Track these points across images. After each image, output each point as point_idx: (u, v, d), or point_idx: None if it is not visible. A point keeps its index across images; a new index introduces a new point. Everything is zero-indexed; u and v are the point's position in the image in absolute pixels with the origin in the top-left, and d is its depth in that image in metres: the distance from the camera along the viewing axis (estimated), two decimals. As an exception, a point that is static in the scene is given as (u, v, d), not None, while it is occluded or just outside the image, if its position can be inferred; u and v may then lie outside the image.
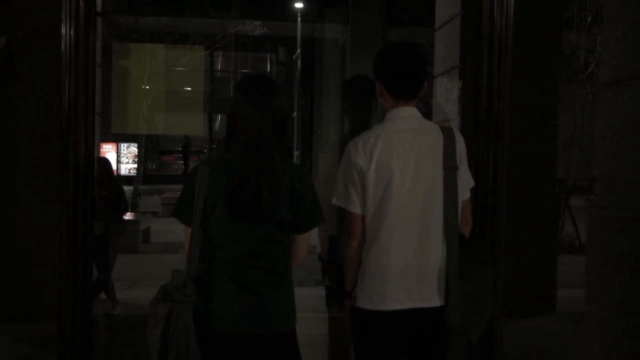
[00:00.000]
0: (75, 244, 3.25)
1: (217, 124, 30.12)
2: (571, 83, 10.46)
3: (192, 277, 2.12)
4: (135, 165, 18.81)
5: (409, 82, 2.33)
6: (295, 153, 20.37)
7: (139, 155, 17.15)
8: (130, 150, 22.14)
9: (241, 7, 19.44)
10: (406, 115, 2.32)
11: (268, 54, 29.16)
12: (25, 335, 4.27)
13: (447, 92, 5.37)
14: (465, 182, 2.35)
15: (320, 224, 2.23)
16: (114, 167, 19.13)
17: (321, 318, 3.69)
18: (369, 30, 15.48)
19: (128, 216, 9.46)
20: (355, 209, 2.27)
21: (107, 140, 20.10)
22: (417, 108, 2.36)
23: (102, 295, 5.22)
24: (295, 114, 21.52)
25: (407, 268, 2.22)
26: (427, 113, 2.45)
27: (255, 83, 2.20)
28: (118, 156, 21.73)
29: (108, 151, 20.72)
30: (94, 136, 3.41)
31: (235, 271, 2.11)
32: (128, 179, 18.92)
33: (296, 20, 21.54)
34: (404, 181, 2.21)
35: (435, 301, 2.25)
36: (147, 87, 15.99)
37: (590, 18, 9.93)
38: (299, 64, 21.81)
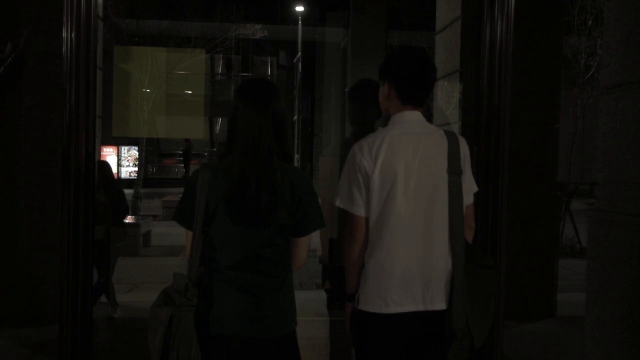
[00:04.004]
0: (76, 248, 3.25)
1: (217, 128, 30.13)
2: (572, 87, 10.45)
3: (193, 280, 2.12)
4: (136, 169, 18.80)
5: (420, 87, 2.33)
6: (296, 156, 20.36)
7: (139, 159, 17.13)
8: (130, 153, 22.16)
9: (242, 10, 19.48)
10: (411, 119, 2.32)
11: (269, 58, 29.19)
12: (25, 338, 4.27)
13: (447, 96, 5.38)
14: (469, 186, 2.35)
15: (321, 227, 2.23)
16: (115, 170, 19.16)
17: (322, 321, 3.69)
18: (369, 34, 15.48)
19: (128, 219, 9.46)
20: (359, 211, 2.27)
21: (108, 143, 20.12)
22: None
23: (103, 298, 5.22)
24: (295, 117, 21.54)
25: (411, 271, 2.22)
26: (427, 117, 2.45)
27: (255, 87, 2.21)
28: (119, 159, 21.75)
29: (109, 154, 20.75)
30: (95, 139, 3.41)
31: (236, 275, 2.11)
32: (129, 182, 18.92)
33: (297, 24, 21.59)
34: (408, 184, 2.21)
35: (439, 305, 2.25)
36: (148, 90, 15.99)
37: (590, 22, 9.92)
38: (300, 68, 21.84)
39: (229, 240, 2.11)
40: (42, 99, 4.56)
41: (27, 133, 4.58)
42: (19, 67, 4.47)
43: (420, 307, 2.23)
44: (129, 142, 21.65)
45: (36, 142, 4.58)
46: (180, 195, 2.22)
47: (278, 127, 2.14)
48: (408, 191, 2.22)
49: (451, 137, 2.30)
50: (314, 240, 2.37)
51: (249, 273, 2.11)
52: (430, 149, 2.26)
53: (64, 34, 3.28)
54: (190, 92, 22.38)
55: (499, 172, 3.35)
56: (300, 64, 21.81)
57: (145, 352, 2.15)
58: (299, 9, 21.37)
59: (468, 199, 2.34)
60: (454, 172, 2.26)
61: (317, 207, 2.21)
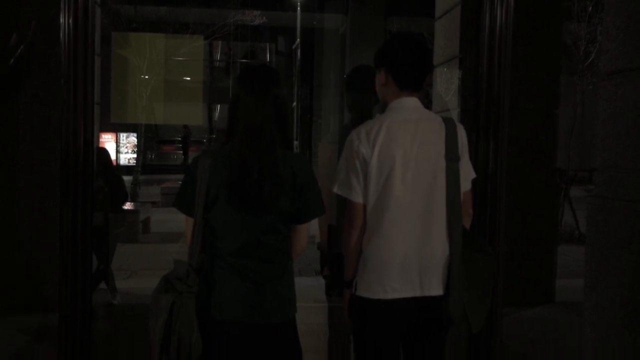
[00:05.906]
0: (75, 235, 3.25)
1: (216, 114, 30.08)
2: (572, 73, 10.42)
3: (194, 267, 2.13)
4: (135, 155, 18.80)
5: (417, 73, 2.34)
6: (295, 143, 20.31)
7: (138, 145, 17.13)
8: (129, 140, 22.12)
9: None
10: (409, 105, 2.32)
11: (267, 44, 29.07)
12: (25, 326, 4.27)
13: (446, 82, 5.36)
14: (467, 173, 2.35)
15: (321, 214, 2.24)
16: (113, 157, 19.14)
17: (321, 307, 3.70)
18: (368, 20, 15.40)
19: (127, 206, 9.47)
20: (357, 198, 2.27)
21: (107, 130, 20.09)
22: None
23: (102, 285, 5.22)
24: (294, 104, 21.48)
25: (409, 257, 2.23)
26: (426, 103, 2.46)
27: (255, 74, 2.20)
28: (117, 146, 21.72)
29: (107, 141, 20.72)
30: (94, 126, 3.39)
31: (236, 261, 2.11)
32: (127, 169, 18.91)
33: (295, 10, 21.48)
34: (406, 171, 2.22)
35: (437, 291, 2.26)
36: (147, 76, 15.94)
37: (590, 8, 9.88)
38: (299, 54, 21.74)
39: (230, 227, 2.11)
40: (44, 94, 4.52)
41: (26, 131, 4.54)
42: (29, 60, 4.42)
43: (418, 293, 2.25)
44: (128, 129, 21.62)
45: (36, 140, 4.54)
46: (180, 182, 2.22)
47: (279, 113, 2.13)
48: (406, 178, 2.22)
49: (449, 124, 2.30)
50: (313, 226, 2.37)
51: (251, 259, 2.12)
52: (428, 136, 2.26)
53: (61, 20, 3.25)
54: (188, 78, 22.30)
55: (498, 158, 3.35)
56: (299, 50, 21.71)
57: (145, 338, 2.16)
58: (298, -5, 21.27)
59: (466, 185, 2.35)
60: (452, 158, 2.26)
61: (318, 194, 2.21)
